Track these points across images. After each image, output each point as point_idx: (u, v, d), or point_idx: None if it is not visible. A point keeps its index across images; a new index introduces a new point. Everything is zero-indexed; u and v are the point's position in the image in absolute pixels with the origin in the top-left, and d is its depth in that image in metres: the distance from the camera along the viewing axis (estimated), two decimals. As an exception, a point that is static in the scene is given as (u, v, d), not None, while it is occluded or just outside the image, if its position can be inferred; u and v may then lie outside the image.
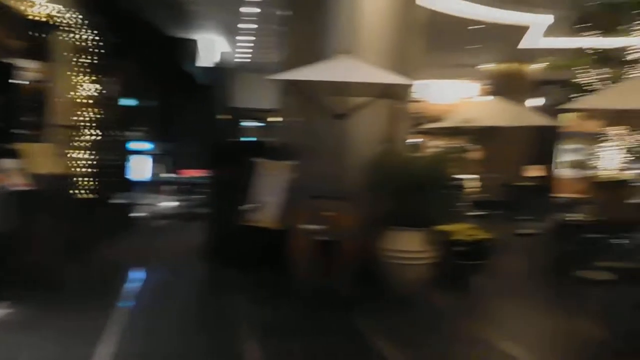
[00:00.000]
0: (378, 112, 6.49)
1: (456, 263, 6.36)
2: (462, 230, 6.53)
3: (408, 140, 7.43)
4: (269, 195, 6.35)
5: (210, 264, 7.20)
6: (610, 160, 10.79)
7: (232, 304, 5.83)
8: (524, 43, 12.18)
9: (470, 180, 11.83)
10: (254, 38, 13.31)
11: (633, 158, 10.72)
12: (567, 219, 8.02)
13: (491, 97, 11.92)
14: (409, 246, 5.87)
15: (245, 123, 20.18)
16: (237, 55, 15.38)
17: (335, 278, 5.78)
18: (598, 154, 11.03)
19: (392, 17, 6.65)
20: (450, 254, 6.30)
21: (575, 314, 5.58)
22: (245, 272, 6.56)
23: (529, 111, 12.24)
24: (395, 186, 5.95)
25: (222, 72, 16.25)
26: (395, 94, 6.08)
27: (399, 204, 5.97)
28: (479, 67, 14.92)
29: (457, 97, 17.50)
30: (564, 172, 15.40)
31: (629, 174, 10.65)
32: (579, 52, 10.57)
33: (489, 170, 12.42)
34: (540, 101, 15.92)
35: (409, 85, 6.40)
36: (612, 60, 10.24)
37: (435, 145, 6.85)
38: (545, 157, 14.97)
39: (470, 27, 10.88)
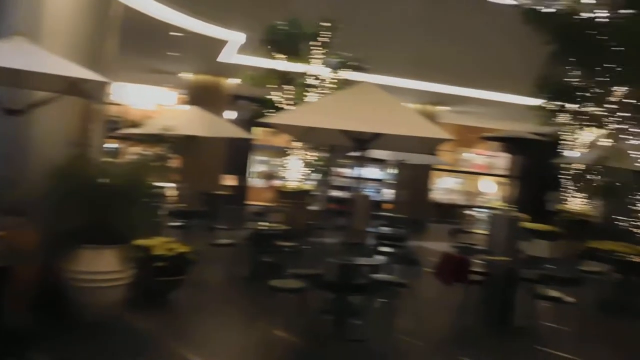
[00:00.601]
0: (66, 111, 5.53)
1: (155, 280, 5.84)
2: (160, 245, 6.05)
3: (104, 145, 6.57)
4: None
5: None
6: (294, 171, 11.69)
7: None
8: (221, 57, 12.36)
9: (168, 190, 11.41)
10: None
11: (312, 170, 11.84)
12: (260, 227, 8.28)
13: (189, 107, 11.73)
14: (102, 266, 5.11)
15: None
16: None
17: (10, 311, 4.63)
18: (285, 166, 11.85)
19: (82, 4, 5.78)
20: (149, 270, 5.75)
21: (269, 322, 5.68)
22: None
23: (225, 123, 12.46)
24: (86, 197, 5.13)
25: None
26: (86, 92, 5.22)
27: (91, 217, 5.16)
28: (178, 75, 14.61)
29: (155, 104, 16.86)
30: (256, 182, 16.33)
31: (309, 185, 11.74)
32: (269, 71, 11.22)
33: (186, 179, 12.20)
34: (233, 114, 16.48)
35: (103, 84, 5.60)
36: (294, 82, 11.16)
37: (134, 152, 6.14)
38: (239, 167, 15.59)
39: (171, 33, 10.46)
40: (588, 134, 12.28)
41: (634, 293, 7.61)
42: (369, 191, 14.12)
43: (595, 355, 5.81)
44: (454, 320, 6.54)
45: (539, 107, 12.64)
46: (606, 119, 5.56)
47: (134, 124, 8.79)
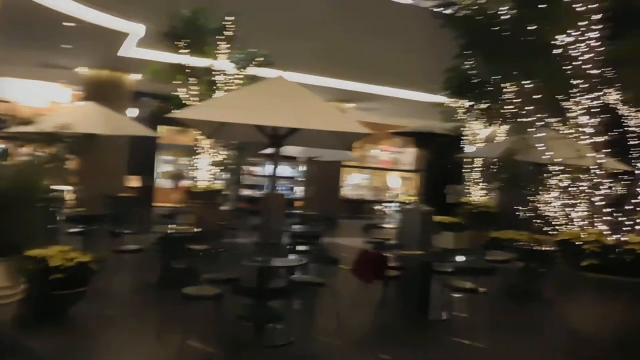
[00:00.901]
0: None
1: (52, 294, 5.25)
2: (58, 254, 5.44)
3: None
4: None
5: None
6: (203, 171, 11.20)
7: None
8: (121, 51, 11.55)
9: (65, 193, 10.52)
10: None
11: (222, 169, 11.41)
12: (170, 230, 7.80)
13: (86, 103, 10.84)
14: (-13, 282, 4.47)
15: None
16: None
17: None
18: (193, 165, 11.32)
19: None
20: (45, 284, 5.15)
21: (183, 333, 5.27)
22: None
23: (127, 120, 11.69)
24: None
25: None
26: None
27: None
28: (73, 70, 13.51)
29: (48, 100, 15.52)
30: (163, 183, 15.54)
31: (219, 184, 11.30)
32: (173, 66, 10.64)
33: (85, 181, 11.32)
34: (135, 111, 15.57)
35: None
36: (201, 77, 10.68)
37: (25, 152, 5.48)
38: (145, 167, 14.75)
39: (65, 24, 9.57)
40: (488, 129, 12.86)
41: (536, 279, 7.98)
42: (281, 189, 13.90)
43: (506, 342, 5.97)
44: (373, 317, 6.48)
45: (442, 104, 13.08)
46: (510, 114, 5.71)
47: (24, 122, 7.95)
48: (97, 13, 9.66)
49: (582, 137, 5.76)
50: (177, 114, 5.80)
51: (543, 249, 8.24)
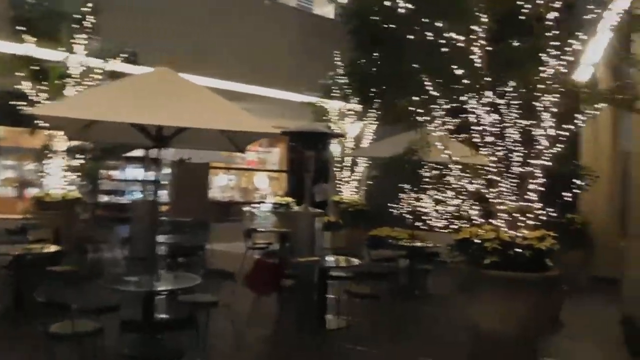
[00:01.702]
0: None
1: None
2: None
3: None
4: None
5: None
6: (56, 177, 9.66)
7: None
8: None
9: None
10: None
11: (80, 175, 9.97)
12: (22, 249, 6.42)
13: None
14: None
15: None
16: None
17: None
18: (43, 170, 9.70)
19: None
20: None
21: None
22: None
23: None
24: None
25: None
26: None
27: None
28: None
29: None
30: (5, 191, 13.31)
31: (76, 192, 9.84)
32: (18, 57, 9.01)
33: None
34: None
35: None
36: (52, 71, 9.20)
37: None
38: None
39: None
40: (358, 128, 12.89)
41: (425, 278, 7.97)
42: (146, 195, 12.61)
43: (405, 346, 5.75)
44: (270, 332, 5.89)
45: (314, 104, 12.86)
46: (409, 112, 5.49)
47: None
48: None
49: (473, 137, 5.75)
50: (40, 110, 4.65)
51: (427, 246, 8.27)
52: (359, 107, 12.67)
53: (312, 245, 6.52)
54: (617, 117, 9.85)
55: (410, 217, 11.19)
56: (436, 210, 11.22)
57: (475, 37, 5.40)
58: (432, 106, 5.47)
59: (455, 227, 11.16)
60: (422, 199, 10.81)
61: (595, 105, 5.33)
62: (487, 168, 5.54)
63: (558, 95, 5.30)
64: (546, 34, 5.18)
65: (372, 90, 7.46)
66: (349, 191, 13.62)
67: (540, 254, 5.03)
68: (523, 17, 5.37)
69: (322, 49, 12.40)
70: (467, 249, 5.31)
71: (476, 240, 5.25)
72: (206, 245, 8.07)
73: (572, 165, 6.67)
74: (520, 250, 5.01)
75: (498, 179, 5.46)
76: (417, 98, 5.42)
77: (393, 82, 5.93)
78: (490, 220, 5.47)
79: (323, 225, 11.22)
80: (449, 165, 5.58)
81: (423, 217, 11.10)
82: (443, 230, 11.01)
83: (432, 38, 5.46)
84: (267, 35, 13.03)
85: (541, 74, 5.21)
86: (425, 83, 5.46)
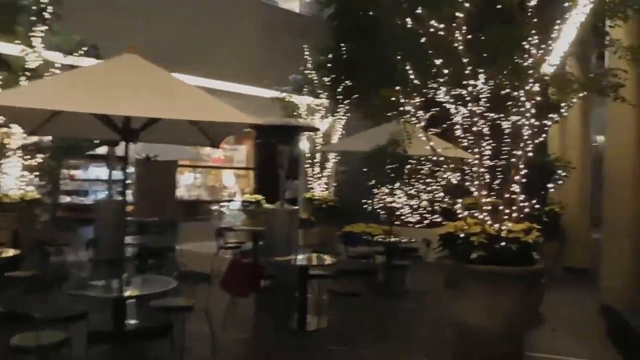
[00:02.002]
0: None
1: None
2: None
3: None
4: None
5: None
6: (12, 177, 9.09)
7: None
8: None
9: None
10: None
11: (37, 174, 9.41)
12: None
13: None
14: None
15: None
16: None
17: None
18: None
19: None
20: None
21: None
22: None
23: None
24: None
25: None
26: None
27: None
28: None
29: None
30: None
31: (35, 192, 9.29)
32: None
33: None
34: None
35: None
36: (7, 64, 8.65)
37: None
38: None
39: None
40: (327, 123, 12.65)
41: (400, 273, 7.78)
42: (111, 194, 12.01)
43: (389, 345, 5.54)
44: (248, 334, 5.58)
45: (283, 99, 12.55)
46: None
47: None
48: None
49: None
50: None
51: (403, 241, 8.09)
52: (327, 103, 12.48)
53: (289, 243, 6.25)
54: (587, 110, 9.90)
55: (384, 212, 11.05)
56: (410, 205, 11.14)
57: (455, 25, 5.23)
58: (415, 95, 5.28)
59: (428, 221, 11.03)
60: (395, 194, 10.71)
61: (576, 95, 5.22)
62: (471, 161, 5.38)
63: (538, 85, 5.18)
64: (527, 21, 5.06)
65: (349, 79, 7.23)
66: (319, 187, 13.40)
67: (527, 247, 4.89)
68: (500, 6, 5.24)
69: (290, 43, 12.13)
70: (452, 244, 5.13)
71: (461, 235, 5.07)
72: (176, 246, 7.68)
73: (547, 157, 6.57)
74: (506, 244, 4.86)
75: (482, 170, 5.31)
76: (399, 88, 5.21)
77: (374, 70, 5.71)
78: (473, 213, 5.31)
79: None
80: (433, 158, 5.39)
81: (397, 212, 11.01)
82: (417, 225, 10.95)
83: (411, 25, 5.28)
84: (232, 30, 12.66)
85: (524, 63, 5.08)
86: (409, 72, 5.26)
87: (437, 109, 5.87)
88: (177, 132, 4.80)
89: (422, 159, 5.59)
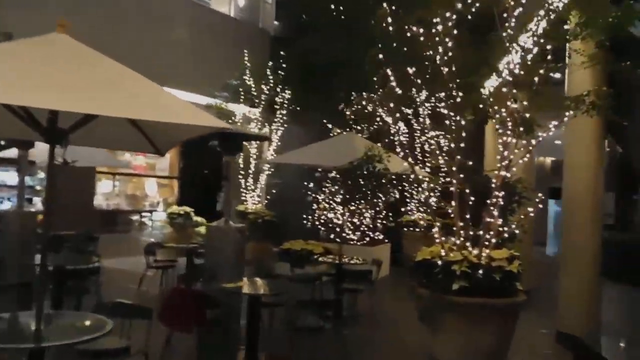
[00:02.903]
0: None
1: None
2: None
3: None
4: None
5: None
6: None
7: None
8: None
9: None
10: None
11: None
12: None
13: None
14: None
15: None
16: None
17: None
18: None
19: None
20: None
21: None
22: None
23: None
24: None
25: None
26: None
27: None
28: None
29: None
30: None
31: None
32: None
33: None
34: None
35: None
36: None
37: None
38: None
39: None
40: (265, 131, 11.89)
41: (352, 298, 7.11)
42: (20, 204, 10.37)
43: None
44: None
45: (217, 106, 11.70)
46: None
47: None
48: None
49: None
50: None
51: (352, 262, 7.41)
52: (261, 112, 11.85)
53: (238, 267, 5.40)
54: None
55: (324, 229, 10.39)
56: (351, 222, 10.56)
57: (435, 30, 4.72)
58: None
59: (368, 239, 10.42)
60: (336, 210, 10.09)
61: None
62: (447, 182, 4.86)
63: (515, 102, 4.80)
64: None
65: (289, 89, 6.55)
66: (252, 200, 12.59)
67: (511, 276, 4.41)
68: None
69: (227, 49, 11.29)
70: (428, 272, 4.55)
71: (439, 262, 4.51)
72: (99, 266, 6.53)
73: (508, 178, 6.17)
74: (489, 273, 4.35)
75: (459, 190, 4.80)
76: (374, 95, 4.61)
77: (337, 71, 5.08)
78: (450, 238, 4.77)
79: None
80: (405, 176, 4.83)
81: (337, 229, 10.39)
82: (359, 243, 10.38)
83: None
84: (161, 30, 11.59)
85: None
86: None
87: (380, 123, 5.38)
88: (116, 136, 3.84)
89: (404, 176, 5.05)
